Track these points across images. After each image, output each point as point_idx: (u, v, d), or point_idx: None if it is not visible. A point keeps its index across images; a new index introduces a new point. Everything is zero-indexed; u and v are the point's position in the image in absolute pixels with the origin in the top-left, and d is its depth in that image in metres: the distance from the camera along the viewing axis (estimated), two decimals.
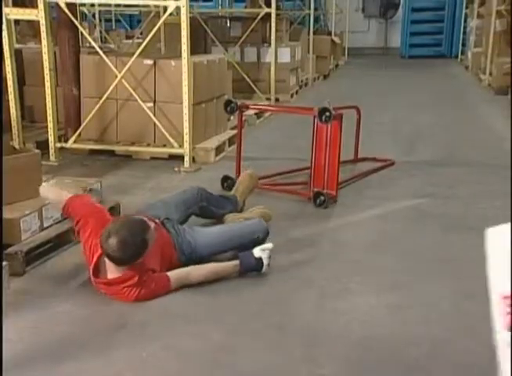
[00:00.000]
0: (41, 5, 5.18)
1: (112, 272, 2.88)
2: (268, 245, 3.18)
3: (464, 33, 15.88)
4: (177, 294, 2.94)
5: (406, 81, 12.18)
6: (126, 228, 2.81)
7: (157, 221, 3.24)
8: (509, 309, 2.32)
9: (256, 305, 2.90)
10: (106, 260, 2.86)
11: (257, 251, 3.14)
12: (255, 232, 3.40)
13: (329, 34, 14.54)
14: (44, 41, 5.27)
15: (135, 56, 5.34)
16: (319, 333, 2.63)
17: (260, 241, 3.42)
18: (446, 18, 17.27)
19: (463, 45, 15.85)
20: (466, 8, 15.87)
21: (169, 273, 2.95)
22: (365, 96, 8.75)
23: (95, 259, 2.90)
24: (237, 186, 4.10)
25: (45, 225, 3.48)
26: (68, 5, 5.37)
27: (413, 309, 2.82)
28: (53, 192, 3.33)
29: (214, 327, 2.68)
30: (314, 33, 12.58)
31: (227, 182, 4.70)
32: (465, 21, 15.94)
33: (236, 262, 3.11)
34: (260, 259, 3.12)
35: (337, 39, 14.33)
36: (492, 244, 2.41)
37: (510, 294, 2.34)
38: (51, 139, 5.51)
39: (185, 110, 5.23)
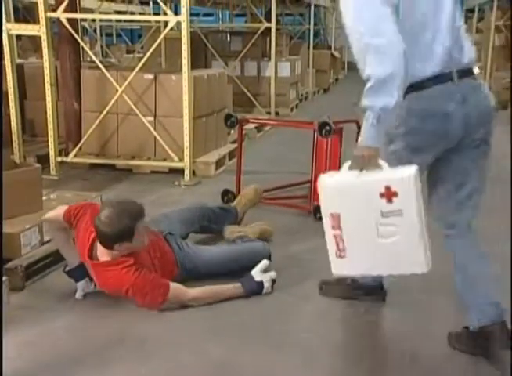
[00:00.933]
0: (42, 21, 5.22)
1: (103, 256, 2.90)
2: (265, 262, 3.15)
3: None
4: (176, 310, 2.92)
5: None
6: (122, 204, 2.85)
7: (160, 236, 3.26)
8: None
9: (256, 321, 2.89)
10: (98, 245, 2.90)
11: (257, 274, 3.11)
12: (258, 256, 3.32)
13: (329, 48, 14.64)
14: (45, 56, 5.29)
15: (136, 70, 5.36)
16: (318, 349, 2.62)
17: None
18: None
19: None
20: (465, 23, 15.87)
21: (170, 283, 2.94)
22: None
23: (90, 242, 2.93)
24: (240, 198, 4.11)
25: (45, 239, 3.47)
26: (69, 20, 5.41)
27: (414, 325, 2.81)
28: (50, 212, 3.24)
29: (214, 343, 2.67)
30: (314, 47, 12.67)
31: (227, 195, 4.70)
32: None
33: (237, 284, 3.06)
34: (261, 282, 3.10)
35: (336, 53, 14.42)
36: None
37: None
38: (51, 153, 5.52)
39: (186, 124, 5.24)
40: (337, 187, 2.21)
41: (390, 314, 2.94)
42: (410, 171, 2.08)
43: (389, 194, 2.10)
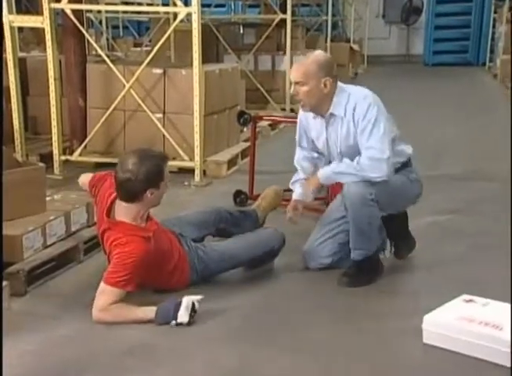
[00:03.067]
0: (46, 12, 5.24)
1: (122, 218, 2.99)
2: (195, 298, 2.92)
3: (492, 39, 15.71)
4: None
5: (429, 90, 12.15)
6: (143, 150, 3.01)
7: (174, 233, 3.29)
8: None
9: (269, 328, 2.89)
10: (117, 206, 3.00)
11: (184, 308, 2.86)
12: (270, 241, 3.39)
13: (348, 41, 14.61)
14: (49, 50, 5.32)
15: (144, 64, 5.38)
16: (336, 354, 2.62)
17: (276, 252, 3.43)
18: (473, 23, 17.06)
19: (491, 51, 15.67)
20: (495, 12, 15.74)
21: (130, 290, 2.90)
22: (385, 107, 8.71)
23: (108, 203, 3.04)
24: (260, 202, 3.99)
25: (49, 242, 3.49)
26: (74, 11, 5.43)
27: None
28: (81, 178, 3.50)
29: (225, 350, 2.67)
30: (331, 40, 12.66)
31: (240, 197, 4.71)
32: (493, 26, 15.78)
33: (152, 308, 2.89)
34: (178, 306, 2.86)
35: (355, 47, 14.38)
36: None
37: None
38: (55, 151, 5.55)
39: (196, 122, 5.25)
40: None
41: None
42: None
43: None
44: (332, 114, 3.29)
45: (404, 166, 3.38)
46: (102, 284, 2.88)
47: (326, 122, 3.34)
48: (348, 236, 3.32)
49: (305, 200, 3.49)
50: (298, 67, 3.24)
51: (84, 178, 3.42)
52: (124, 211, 3.00)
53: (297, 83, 3.23)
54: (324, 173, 3.31)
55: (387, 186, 3.20)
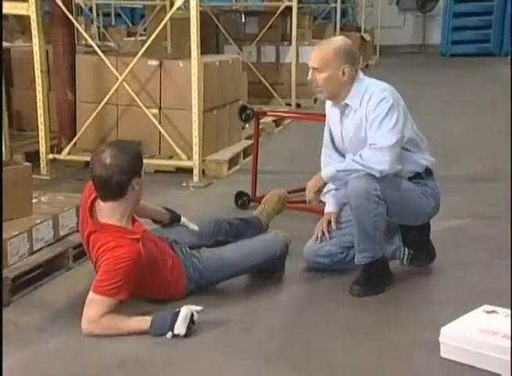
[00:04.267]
0: None
1: (105, 220, 3.00)
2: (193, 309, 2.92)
3: None
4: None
5: (446, 83, 12.14)
6: (116, 141, 3.15)
7: (166, 241, 3.30)
8: None
9: (274, 341, 2.90)
10: (98, 208, 3.03)
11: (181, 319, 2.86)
12: (272, 247, 3.39)
13: (359, 30, 14.61)
14: (35, 39, 5.34)
15: (138, 56, 5.39)
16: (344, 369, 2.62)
17: (278, 259, 3.43)
18: (495, 10, 16.86)
19: None
20: None
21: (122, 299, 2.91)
22: None
23: (89, 205, 3.06)
24: (262, 207, 4.00)
25: (35, 248, 3.50)
26: None
27: None
28: None
29: (225, 364, 2.68)
30: (341, 29, 12.66)
31: (242, 199, 4.71)
32: None
33: (147, 318, 2.91)
34: (174, 317, 2.86)
35: (367, 36, 14.38)
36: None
37: None
38: (42, 149, 5.56)
39: (195, 118, 5.26)
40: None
41: None
42: None
43: None
44: (346, 105, 3.35)
45: (419, 177, 3.41)
46: (91, 294, 2.88)
47: (341, 113, 3.41)
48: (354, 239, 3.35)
49: (311, 203, 3.50)
50: (317, 52, 3.31)
51: None
52: (108, 212, 3.00)
53: (314, 69, 3.29)
54: (328, 172, 3.33)
55: (395, 187, 3.25)
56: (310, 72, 3.33)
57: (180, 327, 2.82)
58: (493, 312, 2.82)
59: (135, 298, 3.04)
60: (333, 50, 3.27)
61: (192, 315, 2.85)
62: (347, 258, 3.50)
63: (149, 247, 3.04)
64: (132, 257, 2.87)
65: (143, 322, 2.88)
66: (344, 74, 3.27)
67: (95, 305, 2.86)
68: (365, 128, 3.27)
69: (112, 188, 2.94)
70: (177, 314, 2.85)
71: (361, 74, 3.37)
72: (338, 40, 3.39)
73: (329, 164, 3.50)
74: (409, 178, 3.36)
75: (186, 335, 2.83)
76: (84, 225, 3.12)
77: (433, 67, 15.14)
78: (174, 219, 3.56)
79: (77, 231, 3.75)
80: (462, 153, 6.50)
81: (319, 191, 3.41)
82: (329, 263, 3.53)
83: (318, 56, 3.29)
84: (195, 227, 3.54)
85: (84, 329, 2.86)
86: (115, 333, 2.85)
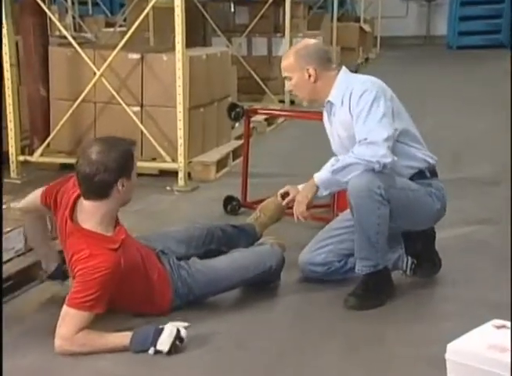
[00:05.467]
0: None
1: (86, 223, 2.99)
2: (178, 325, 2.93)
3: None
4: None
5: (452, 78, 12.20)
6: (106, 137, 3.15)
7: (152, 251, 3.30)
8: None
9: (267, 358, 2.91)
10: (81, 208, 3.02)
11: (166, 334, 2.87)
12: (267, 261, 3.41)
13: (358, 20, 14.66)
14: (3, 30, 5.33)
15: (118, 48, 5.40)
16: None
17: (273, 272, 3.44)
18: None
19: None
20: None
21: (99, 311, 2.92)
22: (402, 98, 8.73)
23: (71, 203, 3.05)
24: (258, 215, 3.97)
25: (5, 258, 3.48)
26: None
27: None
28: (25, 199, 3.38)
29: None
30: (338, 19, 12.69)
31: (231, 204, 4.73)
32: None
33: (127, 333, 2.93)
34: (158, 332, 2.88)
35: (367, 27, 14.44)
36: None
37: None
38: (12, 150, 5.56)
39: (180, 116, 5.27)
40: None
41: None
42: None
43: None
44: (330, 102, 3.46)
45: (422, 177, 3.44)
46: (64, 308, 2.88)
47: (328, 113, 3.51)
48: (353, 246, 3.37)
49: (299, 219, 3.42)
50: (282, 61, 3.53)
51: (30, 198, 3.31)
52: (90, 212, 3.00)
53: (285, 77, 3.51)
54: (321, 176, 3.32)
55: (400, 185, 3.29)
56: (286, 82, 3.54)
57: (164, 343, 2.83)
58: (503, 326, 2.84)
59: (115, 313, 3.05)
60: (293, 54, 3.46)
61: (178, 331, 2.86)
62: (346, 267, 3.52)
63: (130, 254, 3.04)
64: (109, 266, 2.87)
65: (123, 337, 2.89)
66: (310, 75, 3.42)
67: (69, 320, 2.85)
68: (352, 124, 3.32)
69: (95, 187, 2.94)
70: (161, 330, 2.86)
71: (343, 70, 3.48)
72: (300, 43, 3.59)
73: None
74: (412, 178, 3.39)
75: (170, 352, 2.83)
76: (62, 235, 3.11)
77: (438, 61, 15.19)
78: (57, 273, 3.41)
79: (53, 239, 3.75)
80: (470, 153, 6.53)
81: (311, 203, 3.37)
82: (326, 272, 3.54)
83: (283, 63, 3.50)
84: None
85: (57, 347, 2.86)
86: (92, 350, 2.86)
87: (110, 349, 2.87)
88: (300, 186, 3.63)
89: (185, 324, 2.90)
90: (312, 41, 3.67)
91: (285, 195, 3.58)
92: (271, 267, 3.42)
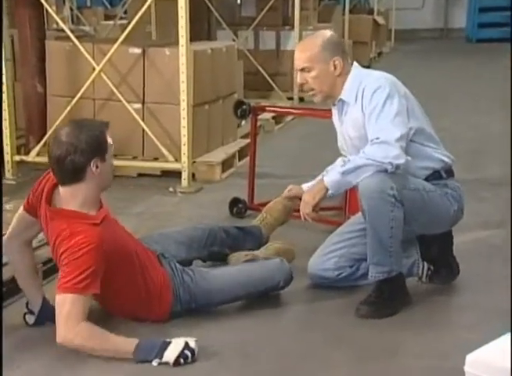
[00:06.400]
0: None
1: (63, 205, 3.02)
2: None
3: None
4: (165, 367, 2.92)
5: (471, 74, 12.18)
6: (77, 120, 3.26)
7: (153, 252, 3.32)
8: None
9: (276, 370, 2.91)
10: (58, 195, 3.04)
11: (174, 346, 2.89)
12: (275, 276, 3.42)
13: (371, 12, 14.63)
14: None
15: (118, 42, 5.41)
16: None
17: (280, 288, 3.46)
18: None
19: None
20: None
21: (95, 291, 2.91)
22: (417, 95, 8.71)
23: (47, 188, 3.08)
24: (264, 216, 4.00)
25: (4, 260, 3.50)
26: None
27: None
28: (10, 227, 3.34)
29: None
30: (350, 11, 12.68)
31: (237, 206, 4.73)
32: None
33: (133, 339, 2.92)
34: (164, 346, 2.88)
35: (380, 19, 14.41)
36: None
37: None
38: (7, 149, 5.58)
39: (183, 114, 5.28)
40: None
41: None
42: None
43: None
44: (342, 101, 3.45)
45: (438, 177, 3.44)
46: (58, 297, 2.87)
47: (339, 111, 3.50)
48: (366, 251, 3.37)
49: (307, 219, 3.46)
50: (301, 51, 3.44)
51: (15, 217, 3.29)
52: (67, 198, 3.02)
53: (302, 70, 3.41)
54: (331, 179, 3.32)
55: (414, 186, 3.29)
56: (298, 76, 3.45)
57: (170, 354, 2.83)
58: None
59: (110, 316, 3.04)
60: (320, 44, 3.39)
61: (186, 343, 2.86)
62: (357, 274, 3.53)
63: (115, 235, 3.05)
64: (92, 241, 2.87)
65: (128, 343, 2.88)
66: (335, 67, 3.38)
67: (68, 307, 2.83)
68: (364, 123, 3.32)
69: (67, 169, 2.96)
70: (168, 343, 2.87)
71: (355, 66, 3.48)
72: (319, 34, 3.51)
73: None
74: (427, 179, 3.39)
75: (176, 363, 2.83)
76: (46, 220, 3.09)
77: (457, 55, 15.14)
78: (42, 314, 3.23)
79: (48, 244, 3.76)
80: (488, 153, 6.52)
81: (318, 204, 3.38)
82: (337, 278, 3.54)
83: (303, 54, 3.41)
84: None
85: (61, 338, 2.84)
86: (94, 348, 2.85)
87: (113, 352, 2.86)
88: (304, 186, 3.66)
89: (193, 339, 2.90)
90: (331, 31, 3.60)
91: (294, 198, 3.60)
92: (279, 283, 3.42)
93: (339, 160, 3.68)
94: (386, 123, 3.22)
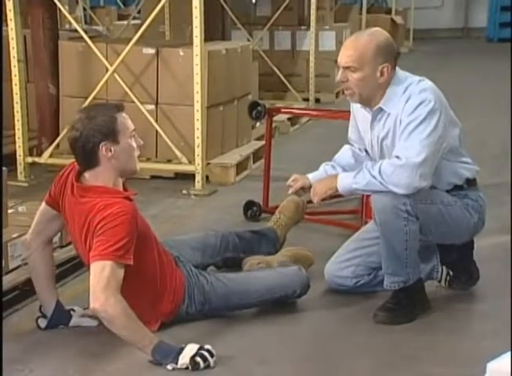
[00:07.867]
0: None
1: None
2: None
3: None
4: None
5: (493, 75, 12.10)
6: (94, 105, 3.34)
7: (170, 254, 3.33)
8: None
9: (289, 375, 2.90)
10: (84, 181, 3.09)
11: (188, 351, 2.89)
12: (292, 285, 3.40)
13: (389, 12, 14.63)
14: (11, 23, 5.37)
15: (132, 43, 5.42)
16: None
17: (297, 297, 3.44)
18: None
19: None
20: None
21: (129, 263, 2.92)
22: None
23: (72, 177, 3.11)
24: (277, 217, 4.00)
25: (11, 266, 3.51)
26: None
27: None
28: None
29: None
30: (368, 11, 12.67)
31: (252, 209, 4.73)
32: None
33: (155, 337, 2.93)
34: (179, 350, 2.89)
35: (398, 19, 14.40)
36: None
37: None
38: (19, 151, 5.60)
39: (197, 115, 5.28)
40: None
41: None
42: None
43: None
44: (381, 109, 3.32)
45: (458, 188, 3.40)
46: (95, 264, 2.86)
47: (373, 117, 3.37)
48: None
49: (314, 197, 3.48)
50: (352, 49, 3.25)
51: (36, 215, 3.32)
52: (91, 181, 3.07)
53: (347, 68, 3.24)
54: (344, 185, 3.32)
55: (430, 199, 3.26)
56: (340, 72, 3.27)
57: (185, 357, 2.84)
58: None
59: None
60: (375, 46, 3.21)
61: (201, 346, 2.87)
62: (375, 281, 3.52)
63: (141, 221, 3.11)
64: (128, 211, 2.93)
65: (150, 337, 2.88)
66: (382, 74, 3.24)
67: (107, 274, 2.83)
68: (396, 133, 3.24)
69: (80, 153, 3.04)
70: (182, 348, 2.87)
71: (399, 72, 3.32)
72: (377, 33, 3.30)
73: (347, 155, 3.66)
74: (447, 191, 3.37)
75: (191, 362, 2.83)
76: (71, 207, 3.10)
77: (478, 55, 15.07)
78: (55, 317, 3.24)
79: (61, 247, 3.78)
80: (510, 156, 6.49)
81: (328, 198, 3.47)
82: (354, 286, 3.54)
83: (355, 52, 3.21)
84: (92, 323, 3.26)
85: (99, 304, 2.81)
86: (124, 325, 2.83)
87: (133, 339, 2.86)
88: (310, 175, 3.63)
89: (207, 346, 2.90)
90: (385, 32, 3.36)
91: (300, 190, 3.59)
92: (295, 291, 3.41)
93: (346, 149, 3.72)
94: (415, 142, 3.14)
